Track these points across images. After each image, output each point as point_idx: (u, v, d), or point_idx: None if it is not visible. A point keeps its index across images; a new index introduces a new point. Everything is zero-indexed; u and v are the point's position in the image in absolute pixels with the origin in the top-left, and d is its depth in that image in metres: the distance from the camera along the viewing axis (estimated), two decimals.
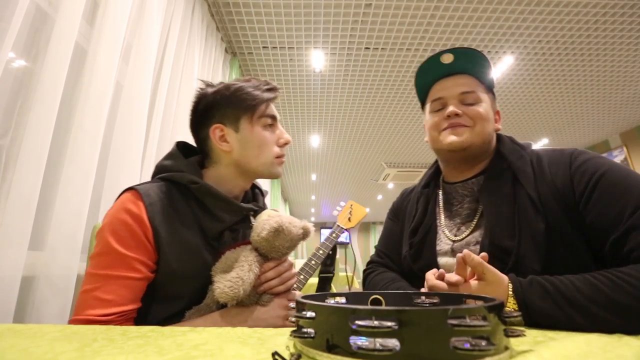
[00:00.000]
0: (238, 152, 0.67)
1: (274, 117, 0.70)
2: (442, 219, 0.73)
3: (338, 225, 1.01)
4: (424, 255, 0.71)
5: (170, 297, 0.60)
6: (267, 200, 4.84)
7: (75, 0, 0.87)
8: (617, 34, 2.38)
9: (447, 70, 0.71)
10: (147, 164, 1.27)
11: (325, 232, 1.06)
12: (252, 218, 0.69)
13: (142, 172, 1.22)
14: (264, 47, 2.48)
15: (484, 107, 0.68)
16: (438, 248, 0.70)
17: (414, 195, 0.83)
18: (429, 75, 0.74)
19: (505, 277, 0.50)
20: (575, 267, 0.50)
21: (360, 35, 2.36)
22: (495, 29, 2.32)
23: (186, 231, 0.60)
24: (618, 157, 4.20)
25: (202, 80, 0.71)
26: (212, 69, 2.08)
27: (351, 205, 1.09)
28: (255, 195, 0.78)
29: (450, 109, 0.67)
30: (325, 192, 6.98)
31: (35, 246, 0.80)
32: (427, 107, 0.75)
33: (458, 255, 0.53)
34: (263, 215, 0.63)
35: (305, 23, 2.23)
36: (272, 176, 0.70)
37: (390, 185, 6.38)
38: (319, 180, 6.11)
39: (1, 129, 0.77)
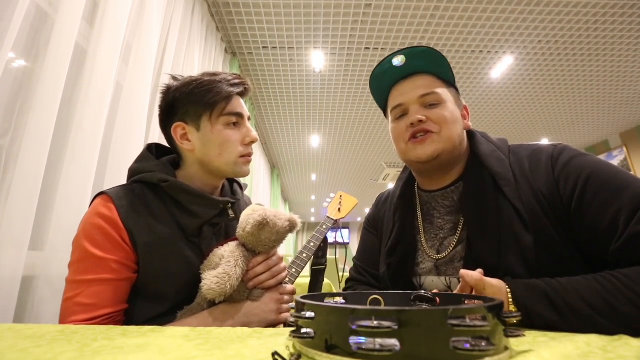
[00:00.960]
0: (200, 151, 0.65)
1: (238, 115, 0.66)
2: (422, 234, 0.67)
3: (328, 217, 1.00)
4: (404, 276, 0.67)
5: (154, 297, 0.60)
6: (267, 200, 4.80)
7: (75, 0, 0.87)
8: (617, 34, 2.38)
9: (402, 72, 0.66)
10: None
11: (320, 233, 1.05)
12: (230, 211, 0.68)
13: None
14: (264, 47, 2.48)
15: (448, 107, 0.63)
16: (422, 267, 0.66)
17: (389, 205, 0.77)
18: (384, 81, 0.69)
19: (502, 284, 0.49)
20: (565, 276, 0.49)
21: (360, 35, 2.36)
22: (495, 29, 2.32)
23: (163, 229, 0.60)
24: (618, 157, 4.20)
25: (170, 75, 0.69)
26: (212, 69, 2.07)
27: (340, 196, 1.08)
28: (234, 190, 0.77)
29: (413, 117, 0.62)
30: (326, 192, 6.98)
31: (35, 246, 0.80)
32: (389, 115, 0.70)
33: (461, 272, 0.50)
34: (248, 210, 0.63)
35: (305, 23, 2.23)
36: (238, 175, 0.69)
37: (390, 185, 6.36)
38: (319, 180, 6.11)
39: (1, 129, 0.77)
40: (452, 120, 0.62)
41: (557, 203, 0.54)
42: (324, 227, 0.95)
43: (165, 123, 0.68)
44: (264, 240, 0.61)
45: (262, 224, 0.59)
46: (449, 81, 0.67)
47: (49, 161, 0.78)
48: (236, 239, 0.64)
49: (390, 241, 0.70)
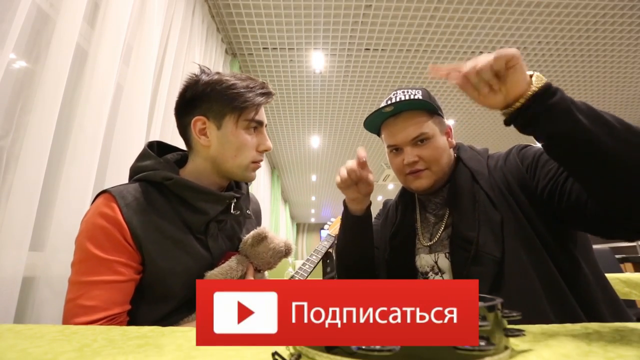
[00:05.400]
0: (216, 149, 0.66)
1: (260, 123, 0.69)
2: (419, 223, 0.81)
3: (329, 235, 1.10)
4: (403, 255, 0.78)
5: (161, 297, 0.59)
6: (267, 201, 4.77)
7: (76, 1, 0.87)
8: (617, 34, 2.38)
9: (390, 113, 0.75)
10: None
11: (325, 233, 1.16)
12: (233, 205, 0.69)
13: None
14: (264, 48, 2.48)
15: (435, 144, 0.72)
16: (417, 247, 0.78)
17: (391, 204, 0.91)
18: (376, 122, 0.79)
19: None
20: (531, 255, 0.59)
21: (360, 36, 2.36)
22: (495, 29, 2.32)
23: (169, 227, 0.60)
24: None
25: (199, 65, 0.69)
26: (213, 70, 2.08)
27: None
28: (239, 185, 0.77)
29: (407, 158, 0.73)
30: (326, 192, 6.98)
31: (35, 247, 0.80)
32: (385, 146, 0.80)
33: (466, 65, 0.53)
34: (253, 230, 0.71)
35: (306, 24, 2.24)
36: (245, 179, 0.70)
37: (390, 186, 6.37)
38: (319, 181, 6.11)
39: (2, 130, 0.77)
40: (440, 155, 0.73)
41: (521, 178, 0.66)
42: (325, 242, 1.03)
43: (183, 112, 0.68)
44: (260, 254, 0.68)
45: (262, 237, 0.68)
46: (433, 110, 0.74)
47: (50, 162, 0.78)
48: (237, 252, 0.69)
49: (394, 228, 0.83)
